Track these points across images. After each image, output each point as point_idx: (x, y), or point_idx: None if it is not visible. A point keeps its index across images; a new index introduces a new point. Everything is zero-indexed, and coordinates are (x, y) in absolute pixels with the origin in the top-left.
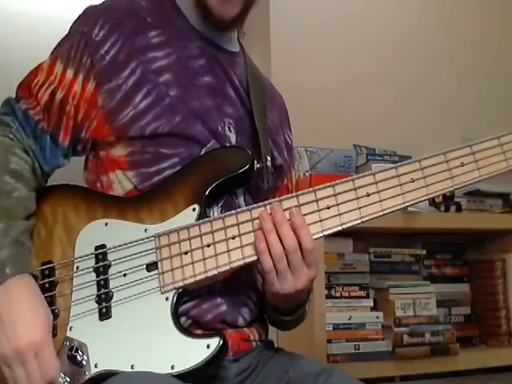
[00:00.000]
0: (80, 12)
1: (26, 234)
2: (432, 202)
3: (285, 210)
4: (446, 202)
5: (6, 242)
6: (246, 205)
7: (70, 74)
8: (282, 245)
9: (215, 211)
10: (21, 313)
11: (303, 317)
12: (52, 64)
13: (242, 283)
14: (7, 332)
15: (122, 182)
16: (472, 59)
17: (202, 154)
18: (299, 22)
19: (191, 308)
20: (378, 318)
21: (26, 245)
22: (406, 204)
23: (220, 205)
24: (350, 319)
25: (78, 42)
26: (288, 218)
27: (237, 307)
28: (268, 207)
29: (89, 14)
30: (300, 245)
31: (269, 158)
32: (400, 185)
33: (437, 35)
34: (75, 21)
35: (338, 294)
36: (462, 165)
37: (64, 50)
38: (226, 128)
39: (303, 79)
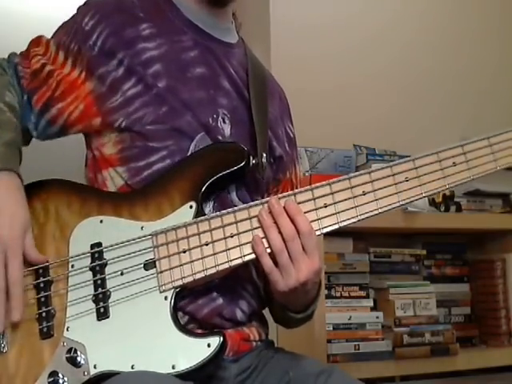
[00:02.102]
0: None
1: (17, 143)
2: (432, 201)
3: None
4: (446, 202)
5: (2, 141)
6: (240, 200)
7: (61, 56)
8: (282, 237)
9: (208, 207)
10: (3, 206)
11: (313, 314)
12: (48, 43)
13: (237, 276)
14: None
15: (114, 179)
16: (472, 60)
17: (191, 146)
18: (299, 24)
19: (187, 304)
20: (377, 318)
21: (17, 150)
22: (401, 203)
23: (213, 201)
24: (350, 319)
25: (70, 29)
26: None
27: (234, 300)
28: (266, 205)
29: (83, 6)
30: (298, 232)
31: (264, 155)
32: (395, 184)
33: (437, 37)
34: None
35: (338, 294)
36: (454, 164)
37: (58, 34)
38: (220, 119)
39: (303, 80)
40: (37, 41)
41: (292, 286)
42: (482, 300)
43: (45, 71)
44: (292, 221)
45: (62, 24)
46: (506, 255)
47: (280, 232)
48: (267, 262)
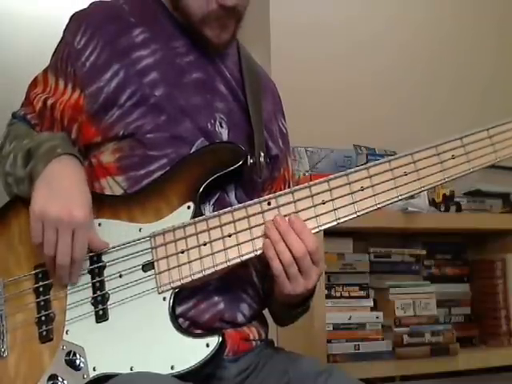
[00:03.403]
0: None
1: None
2: (432, 201)
3: (285, 216)
4: (446, 202)
5: (56, 137)
6: (238, 201)
7: (61, 84)
8: (291, 251)
9: (207, 208)
10: (72, 187)
11: (309, 308)
12: (45, 76)
13: (237, 278)
14: (58, 198)
15: (112, 188)
16: (473, 62)
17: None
18: (299, 24)
19: (189, 309)
20: (377, 318)
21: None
22: (400, 197)
23: (212, 202)
24: (350, 319)
25: (62, 53)
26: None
27: (235, 304)
28: (270, 217)
29: (72, 22)
30: (307, 249)
31: (262, 154)
32: (393, 178)
33: (437, 38)
34: (64, 29)
35: (338, 294)
36: (453, 157)
37: (53, 61)
38: (217, 124)
39: (303, 80)
40: (33, 83)
41: (299, 292)
42: (482, 300)
43: (48, 107)
44: (298, 236)
45: (56, 48)
46: (506, 255)
47: (287, 246)
48: (277, 266)
